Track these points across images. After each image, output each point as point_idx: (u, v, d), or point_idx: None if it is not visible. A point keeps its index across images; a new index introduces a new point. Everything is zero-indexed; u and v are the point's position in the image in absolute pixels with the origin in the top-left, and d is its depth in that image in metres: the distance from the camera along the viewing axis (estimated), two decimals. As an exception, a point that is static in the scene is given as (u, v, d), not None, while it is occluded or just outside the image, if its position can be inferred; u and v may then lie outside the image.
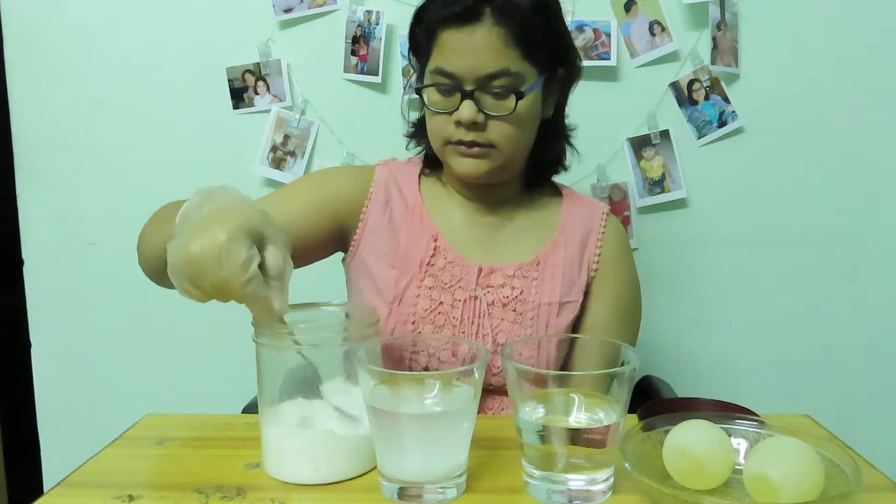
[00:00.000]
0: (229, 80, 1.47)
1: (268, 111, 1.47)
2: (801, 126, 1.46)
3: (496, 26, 0.91)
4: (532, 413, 0.65)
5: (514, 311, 0.99)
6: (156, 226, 0.92)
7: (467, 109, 0.92)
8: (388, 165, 1.08)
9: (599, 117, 1.46)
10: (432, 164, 1.08)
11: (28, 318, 1.58)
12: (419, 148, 1.09)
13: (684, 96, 1.45)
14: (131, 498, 0.67)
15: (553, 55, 0.97)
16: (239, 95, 1.48)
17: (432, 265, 1.00)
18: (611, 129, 1.46)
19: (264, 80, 1.47)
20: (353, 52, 1.45)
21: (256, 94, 1.47)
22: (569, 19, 1.42)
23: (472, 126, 0.93)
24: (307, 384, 0.73)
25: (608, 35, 1.42)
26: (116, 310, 1.55)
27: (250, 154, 1.48)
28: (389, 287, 1.00)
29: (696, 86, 1.44)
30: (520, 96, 0.93)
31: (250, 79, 1.47)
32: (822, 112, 1.46)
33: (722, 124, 1.45)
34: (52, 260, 1.55)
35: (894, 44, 1.44)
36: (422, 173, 1.08)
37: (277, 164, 1.48)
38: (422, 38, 0.97)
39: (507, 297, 0.99)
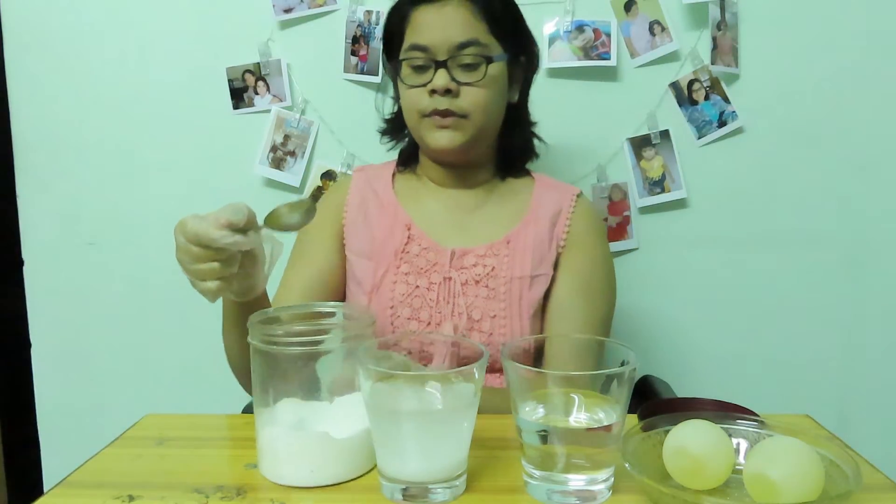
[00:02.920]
0: (229, 80, 1.47)
1: (268, 111, 1.47)
2: (801, 126, 1.46)
3: (465, 1, 1.01)
4: (532, 413, 0.65)
5: (487, 286, 1.04)
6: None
7: (441, 77, 1.00)
8: (364, 171, 1.17)
9: (599, 117, 1.46)
10: (407, 159, 1.16)
11: (28, 318, 1.58)
12: (393, 143, 1.18)
13: (684, 96, 1.45)
14: (131, 498, 0.67)
15: (515, 39, 1.06)
16: (239, 95, 1.48)
17: (407, 252, 1.06)
18: (611, 129, 1.46)
19: (264, 80, 1.47)
20: (353, 52, 1.45)
21: (256, 94, 1.47)
22: (569, 19, 1.42)
23: (446, 94, 1.00)
24: (305, 383, 0.72)
25: (608, 35, 1.42)
26: (116, 310, 1.55)
27: (250, 154, 1.48)
28: (368, 278, 1.06)
29: (696, 86, 1.44)
30: (489, 61, 1.01)
31: (250, 79, 1.47)
32: (822, 112, 1.45)
33: (722, 124, 1.45)
34: (52, 260, 1.55)
35: (894, 44, 1.44)
36: (395, 172, 1.16)
37: (277, 164, 1.48)
38: (396, 24, 1.06)
39: (480, 275, 1.04)
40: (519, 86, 1.10)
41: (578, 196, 1.12)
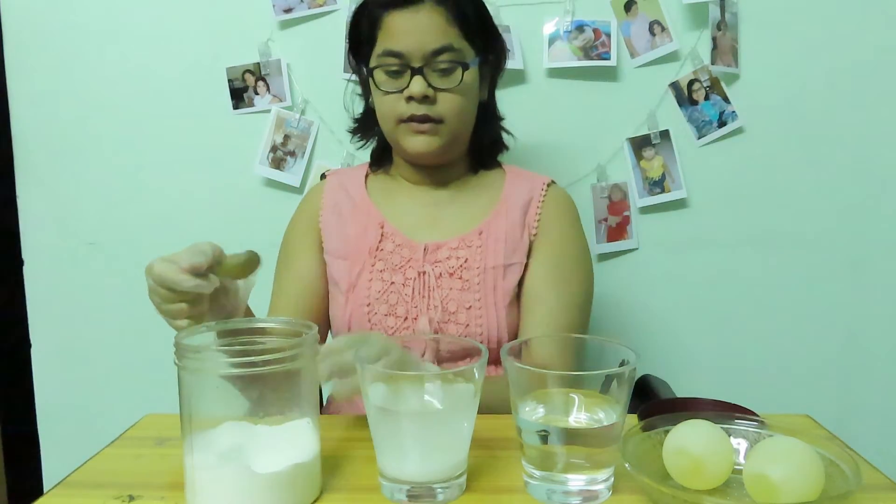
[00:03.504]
0: (229, 80, 1.47)
1: (268, 111, 1.47)
2: (800, 126, 1.46)
3: (437, 6, 1.00)
4: (532, 413, 0.65)
5: (461, 278, 1.05)
6: None
7: (418, 84, 1.00)
8: (337, 174, 1.19)
9: (599, 117, 1.46)
10: (379, 159, 1.17)
11: (28, 318, 1.58)
12: (363, 143, 1.19)
13: (684, 96, 1.45)
14: (131, 498, 0.67)
15: (485, 39, 1.06)
16: (239, 95, 1.48)
17: (381, 250, 1.07)
18: (611, 129, 1.46)
19: (264, 80, 1.47)
20: (353, 52, 1.45)
21: (256, 94, 1.47)
22: (568, 19, 1.42)
23: (423, 100, 1.01)
24: (233, 407, 0.65)
25: (608, 35, 1.42)
26: (116, 310, 1.55)
27: (250, 154, 1.48)
28: (344, 277, 1.07)
29: (696, 86, 1.44)
30: (465, 67, 1.01)
31: (250, 79, 1.47)
32: (822, 112, 1.46)
33: (722, 124, 1.45)
34: (52, 260, 1.55)
35: (894, 44, 1.44)
36: (368, 173, 1.17)
37: (277, 164, 1.48)
38: (365, 27, 1.05)
39: (453, 267, 1.05)
40: (488, 83, 1.12)
41: (549, 185, 1.13)
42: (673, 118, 1.45)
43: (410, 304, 1.04)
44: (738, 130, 1.46)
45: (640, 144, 1.46)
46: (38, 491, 1.49)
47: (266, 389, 0.65)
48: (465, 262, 1.05)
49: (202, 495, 0.64)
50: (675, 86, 1.45)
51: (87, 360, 1.57)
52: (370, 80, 1.05)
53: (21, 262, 1.56)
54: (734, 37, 1.43)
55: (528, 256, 1.08)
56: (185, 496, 0.66)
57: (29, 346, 1.58)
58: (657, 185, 1.47)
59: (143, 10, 1.47)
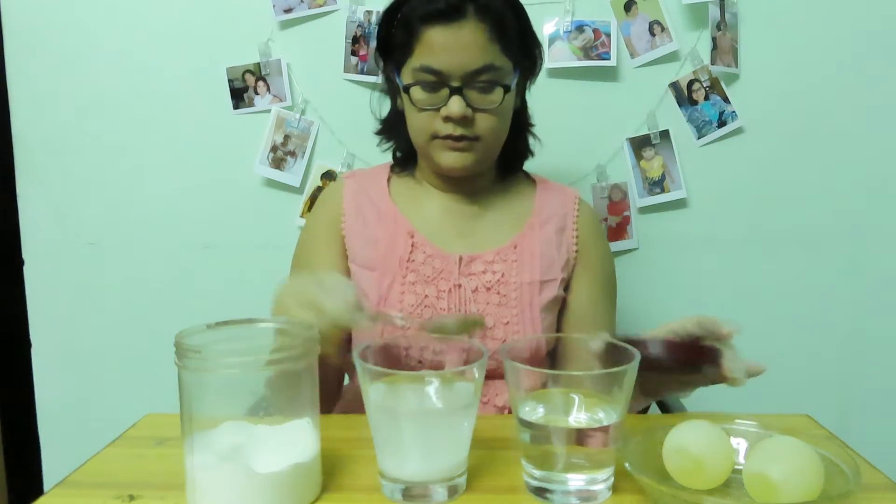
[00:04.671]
0: (229, 80, 1.47)
1: (268, 111, 1.47)
2: (800, 126, 1.46)
3: (480, 23, 0.95)
4: (532, 413, 0.65)
5: (498, 293, 1.02)
6: None
7: (457, 105, 0.95)
8: (355, 176, 1.13)
9: (599, 117, 1.46)
10: (403, 162, 1.12)
11: (28, 317, 1.57)
12: (390, 144, 1.13)
13: (684, 96, 1.45)
14: (131, 498, 0.67)
15: (523, 50, 1.02)
16: (239, 95, 1.48)
17: (412, 261, 1.03)
18: (611, 129, 1.46)
19: (264, 80, 1.47)
20: (353, 52, 1.45)
21: (256, 94, 1.47)
22: (568, 19, 1.42)
23: (461, 121, 0.96)
24: (236, 406, 0.64)
25: (608, 35, 1.42)
26: (116, 310, 1.55)
27: (250, 154, 1.48)
28: (373, 289, 1.03)
29: (696, 86, 1.44)
30: (507, 89, 0.98)
31: (250, 79, 1.47)
32: (822, 112, 1.46)
33: (722, 124, 1.45)
34: (53, 260, 1.55)
35: (894, 44, 1.44)
36: (391, 176, 1.12)
37: (277, 164, 1.48)
38: (401, 36, 0.99)
39: (490, 282, 1.02)
40: (521, 90, 1.09)
41: (579, 199, 1.13)
42: (673, 118, 1.45)
43: None
44: (738, 130, 1.46)
45: (639, 144, 1.46)
46: (38, 491, 1.49)
47: (266, 389, 0.65)
48: (502, 276, 1.02)
49: (202, 495, 0.64)
50: (674, 86, 1.45)
51: (87, 360, 1.57)
52: (405, 94, 1.00)
53: (21, 262, 1.56)
54: (734, 37, 1.43)
55: (569, 275, 1.08)
56: (185, 496, 0.66)
57: (29, 346, 1.58)
58: (657, 185, 1.47)
59: (143, 10, 1.47)
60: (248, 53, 1.46)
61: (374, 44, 1.43)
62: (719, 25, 1.41)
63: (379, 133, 1.15)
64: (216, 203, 1.51)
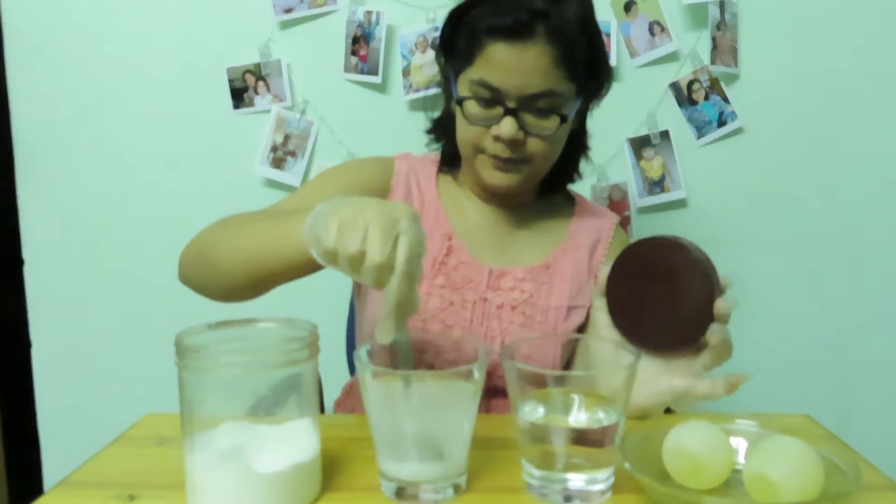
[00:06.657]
0: (229, 81, 1.47)
1: (268, 111, 1.47)
2: (800, 126, 1.46)
3: (548, 45, 0.89)
4: (532, 413, 0.65)
5: (524, 314, 0.99)
6: (237, 227, 0.86)
7: (509, 127, 0.90)
8: (408, 159, 1.07)
9: (599, 117, 1.45)
10: (450, 162, 1.07)
11: (28, 317, 1.58)
12: (438, 144, 1.08)
13: (684, 96, 1.45)
14: (131, 498, 0.67)
15: (591, 73, 0.96)
16: (239, 95, 1.48)
17: (445, 264, 1.00)
18: (611, 129, 1.46)
19: (264, 81, 1.47)
20: (353, 52, 1.45)
21: (257, 94, 1.47)
22: (569, 19, 1.42)
23: (511, 143, 0.92)
24: (239, 406, 0.63)
25: (608, 35, 1.42)
26: (116, 310, 1.55)
27: (250, 154, 1.48)
28: None
29: (696, 86, 1.44)
30: (563, 119, 0.92)
31: (250, 79, 1.47)
32: (822, 112, 1.46)
33: (721, 124, 1.45)
34: (53, 259, 1.55)
35: (894, 44, 1.44)
36: (439, 171, 1.08)
37: (277, 164, 1.48)
38: (463, 44, 0.93)
39: (517, 301, 0.99)
40: (583, 113, 1.03)
41: (617, 225, 1.08)
42: (673, 118, 1.45)
43: (467, 329, 0.97)
44: (738, 130, 1.46)
45: (639, 144, 1.46)
46: (38, 491, 1.50)
47: (266, 389, 0.65)
48: (530, 297, 0.99)
49: (202, 495, 0.64)
50: (674, 86, 1.45)
51: (87, 360, 1.57)
52: (459, 106, 0.95)
53: (21, 262, 1.56)
54: (734, 37, 1.43)
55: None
56: (185, 496, 0.66)
57: (29, 346, 1.58)
58: (657, 185, 1.47)
59: (143, 10, 1.47)
60: (248, 53, 1.46)
61: (373, 44, 1.44)
62: (719, 25, 1.41)
63: (429, 132, 1.10)
64: (216, 203, 1.50)
